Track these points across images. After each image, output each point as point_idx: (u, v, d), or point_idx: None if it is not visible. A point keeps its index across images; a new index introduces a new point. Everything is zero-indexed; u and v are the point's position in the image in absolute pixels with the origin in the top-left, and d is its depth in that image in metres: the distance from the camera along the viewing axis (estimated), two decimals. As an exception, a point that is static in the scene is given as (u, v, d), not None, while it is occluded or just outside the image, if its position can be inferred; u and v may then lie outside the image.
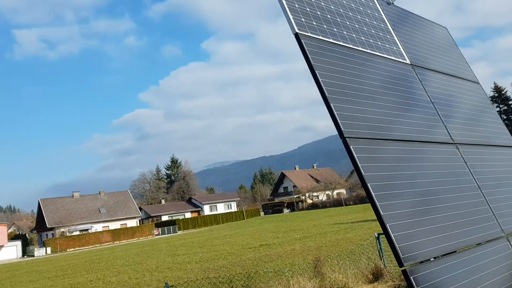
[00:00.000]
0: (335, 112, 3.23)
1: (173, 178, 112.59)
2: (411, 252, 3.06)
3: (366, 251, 10.44)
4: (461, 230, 3.64)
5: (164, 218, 78.83)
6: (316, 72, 3.34)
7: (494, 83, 65.25)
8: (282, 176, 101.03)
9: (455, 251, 3.42)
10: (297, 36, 3.48)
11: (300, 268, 9.62)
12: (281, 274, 9.42)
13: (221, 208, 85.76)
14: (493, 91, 63.31)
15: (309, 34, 3.60)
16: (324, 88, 3.29)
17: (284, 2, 3.61)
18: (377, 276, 9.22)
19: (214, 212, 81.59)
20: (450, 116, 4.84)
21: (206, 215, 75.69)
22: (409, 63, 4.89)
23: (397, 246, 3.01)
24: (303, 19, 3.67)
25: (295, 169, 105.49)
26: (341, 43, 3.93)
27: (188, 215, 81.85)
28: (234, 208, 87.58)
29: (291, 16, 3.55)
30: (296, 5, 3.73)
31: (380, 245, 10.04)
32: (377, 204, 3.07)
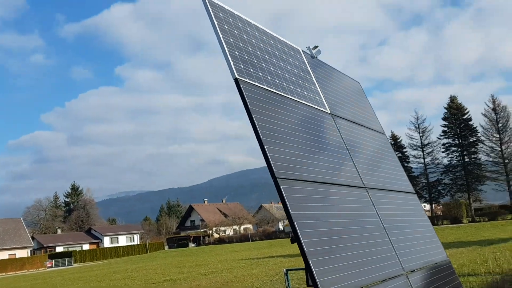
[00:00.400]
0: (268, 154, 3.51)
1: (72, 206, 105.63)
2: (329, 287, 3.36)
3: (274, 287, 10.73)
4: (369, 267, 4.04)
5: (59, 249, 73.15)
6: (253, 115, 3.62)
7: (391, 132, 71.53)
8: (190, 209, 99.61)
9: (369, 286, 3.80)
10: (236, 81, 3.76)
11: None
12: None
13: (122, 241, 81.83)
14: (390, 139, 69.32)
15: (247, 80, 3.90)
16: (259, 131, 3.57)
17: (226, 49, 3.89)
18: (284, 311, 9.50)
19: (115, 245, 77.53)
20: (362, 162, 5.38)
21: (106, 248, 71.66)
22: (329, 112, 5.40)
23: (317, 281, 3.29)
24: (242, 66, 3.97)
25: (204, 202, 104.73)
26: (274, 90, 4.29)
27: (86, 246, 76.83)
28: (137, 241, 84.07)
29: (232, 62, 3.84)
30: (237, 53, 4.03)
31: (288, 281, 10.39)
32: (302, 241, 3.35)
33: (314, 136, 4.48)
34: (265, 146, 3.52)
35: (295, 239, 3.47)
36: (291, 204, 3.45)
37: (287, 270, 10.78)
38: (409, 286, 4.50)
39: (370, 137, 6.31)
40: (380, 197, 5.22)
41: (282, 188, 3.45)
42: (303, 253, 3.38)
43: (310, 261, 3.32)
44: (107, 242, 79.93)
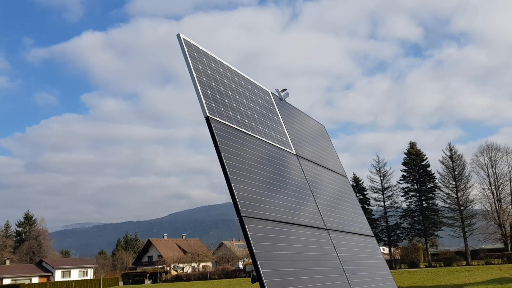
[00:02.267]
0: (234, 192, 3.58)
1: (24, 236, 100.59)
2: (288, 327, 3.39)
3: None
4: (328, 308, 4.10)
5: (7, 281, 68.93)
6: (222, 153, 3.71)
7: (353, 174, 72.95)
8: (148, 244, 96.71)
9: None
10: (207, 119, 3.86)
11: None
12: None
13: (75, 275, 78.14)
14: (352, 181, 70.57)
15: (217, 119, 4.02)
16: (227, 168, 3.66)
17: (199, 88, 4.01)
18: None
19: (66, 279, 73.86)
20: (324, 204, 5.52)
21: (57, 281, 68.11)
22: (295, 153, 5.56)
23: (277, 320, 3.32)
24: (213, 105, 4.10)
25: (163, 237, 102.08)
26: (243, 130, 4.42)
27: (35, 280, 72.81)
28: (90, 275, 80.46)
29: (204, 101, 3.95)
30: (209, 92, 4.16)
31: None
32: (264, 281, 3.39)
33: (279, 175, 4.60)
34: (232, 184, 3.60)
35: (257, 277, 3.51)
36: (255, 243, 3.51)
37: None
38: (366, 328, 4.57)
39: (333, 179, 6.50)
40: (340, 239, 5.34)
41: (246, 227, 3.51)
42: (264, 292, 3.41)
43: (270, 300, 3.35)
44: (58, 276, 76.02)
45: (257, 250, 3.48)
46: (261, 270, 3.41)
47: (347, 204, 6.43)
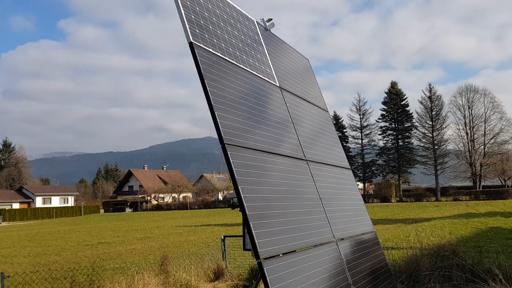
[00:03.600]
0: (218, 120, 3.62)
1: (3, 163, 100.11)
2: (265, 248, 3.59)
3: (211, 252, 10.99)
4: (303, 233, 4.33)
5: (-14, 207, 69.48)
6: (205, 81, 3.70)
7: (334, 112, 73.64)
8: (129, 174, 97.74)
9: (302, 249, 4.09)
10: (191, 45, 3.79)
11: (146, 265, 9.71)
12: (124, 271, 9.37)
13: (56, 202, 79.12)
14: (333, 119, 71.32)
15: (201, 45, 3.95)
16: (210, 96, 3.66)
17: (182, 11, 3.89)
18: (218, 275, 9.82)
19: (47, 205, 74.80)
20: (305, 136, 5.62)
21: (38, 208, 69.01)
22: (278, 85, 5.56)
23: (256, 242, 3.50)
24: (197, 30, 4.01)
25: (144, 168, 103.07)
26: (227, 58, 4.37)
27: (16, 205, 73.55)
28: (71, 203, 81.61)
29: (187, 26, 3.86)
30: (193, 16, 4.05)
31: (224, 247, 10.70)
32: (245, 205, 3.53)
33: (262, 107, 4.64)
34: (215, 112, 3.63)
35: (239, 204, 3.65)
36: (237, 170, 3.61)
37: (224, 237, 11.09)
38: (338, 252, 4.87)
39: (315, 113, 6.58)
40: (318, 170, 5.51)
41: (229, 154, 3.59)
42: (244, 216, 3.57)
43: (251, 223, 3.51)
44: (39, 202, 76.94)
45: (239, 176, 3.58)
46: (242, 195, 3.53)
47: (327, 138, 6.57)
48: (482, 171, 62.17)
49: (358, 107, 70.89)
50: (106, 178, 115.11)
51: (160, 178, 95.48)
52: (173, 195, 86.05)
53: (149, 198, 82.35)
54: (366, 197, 62.05)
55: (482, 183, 63.78)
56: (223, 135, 3.59)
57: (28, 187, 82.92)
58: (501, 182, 64.47)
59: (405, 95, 68.30)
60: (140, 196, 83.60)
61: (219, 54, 4.22)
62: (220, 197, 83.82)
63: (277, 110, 5.09)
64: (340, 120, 71.91)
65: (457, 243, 8.72)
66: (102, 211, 77.15)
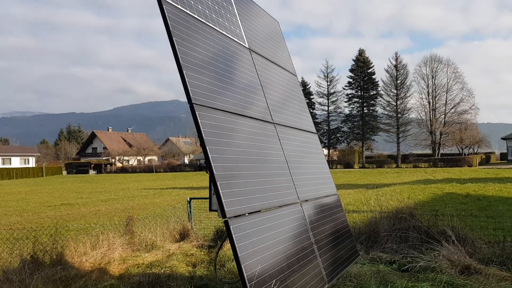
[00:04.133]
0: (186, 79, 3.58)
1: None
2: (232, 208, 3.66)
3: (176, 213, 11.07)
4: (269, 193, 4.42)
5: None
6: (174, 39, 3.62)
7: (302, 78, 73.79)
8: (93, 136, 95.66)
9: (268, 209, 4.19)
10: (159, 2, 3.68)
11: (111, 226, 9.70)
12: (89, 231, 9.33)
13: (16, 162, 76.86)
14: (300, 85, 71.42)
15: (170, 1, 3.84)
16: (179, 55, 3.60)
17: (151, -34, 3.75)
18: (183, 236, 9.94)
19: (7, 166, 72.62)
20: (273, 99, 5.65)
21: (-3, 168, 66.88)
22: (247, 47, 5.51)
23: (223, 202, 3.56)
24: (166, -14, 3.88)
25: (108, 130, 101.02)
26: (196, 16, 4.27)
27: (-28, 166, 71.06)
28: (32, 163, 79.48)
29: (156, -19, 3.73)
30: (162, -29, 3.90)
31: (190, 208, 10.79)
32: (212, 165, 3.56)
33: (232, 68, 4.60)
34: (184, 71, 3.58)
35: (206, 164, 3.67)
36: (205, 130, 3.61)
37: (190, 199, 11.17)
38: (302, 213, 5.02)
39: (284, 77, 6.59)
40: (285, 133, 5.58)
41: (197, 114, 3.57)
42: (212, 177, 3.60)
43: (218, 183, 3.56)
44: (-3, 163, 74.67)
45: (207, 137, 3.59)
46: (210, 156, 3.56)
47: (295, 103, 6.62)
48: (441, 139, 64.50)
49: (325, 74, 71.34)
50: (68, 140, 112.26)
51: (125, 141, 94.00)
52: (138, 158, 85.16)
53: (113, 160, 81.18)
54: (330, 163, 63.44)
55: (441, 151, 66.31)
56: (191, 95, 3.56)
57: (-14, 147, 79.99)
58: (459, 151, 67.23)
59: (372, 63, 69.09)
60: (104, 158, 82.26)
61: (188, 12, 4.13)
62: (186, 161, 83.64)
63: (246, 72, 5.07)
64: (307, 87, 72.28)
65: (414, 207, 9.13)
66: (64, 172, 75.66)
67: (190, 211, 10.89)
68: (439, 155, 64.47)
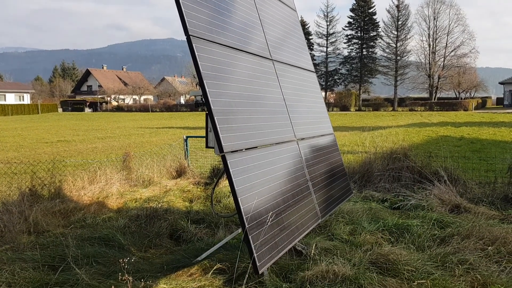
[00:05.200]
0: (183, 9, 3.45)
1: None
2: (229, 143, 3.67)
3: (173, 151, 11.16)
4: (267, 131, 4.42)
5: None
6: (170, -34, 3.45)
7: (301, 17, 71.81)
8: (87, 74, 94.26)
9: (265, 146, 4.22)
10: None
11: (108, 162, 9.79)
12: (86, 166, 9.42)
13: (11, 99, 76.23)
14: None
15: None
16: (176, -16, 3.44)
17: None
18: (180, 173, 10.10)
19: (1, 102, 72.09)
20: (272, 35, 5.50)
21: (-9, 105, 66.42)
22: (246, -21, 5.28)
23: (220, 137, 3.56)
24: None
25: (103, 68, 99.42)
26: None
27: (-34, 102, 70.48)
28: (27, 100, 78.87)
29: None
30: None
31: (187, 146, 10.87)
32: (210, 100, 3.52)
33: (231, 1, 4.43)
34: (180, 1, 3.44)
35: (204, 99, 3.62)
36: (202, 64, 3.53)
37: (187, 137, 11.23)
38: (298, 151, 5.06)
39: (284, 12, 6.38)
40: (284, 71, 5.50)
41: (194, 47, 3.48)
42: (210, 112, 3.58)
43: (216, 118, 3.54)
44: (-9, 100, 74.04)
45: (204, 71, 3.52)
46: (207, 90, 3.51)
47: (294, 39, 6.46)
48: (439, 83, 64.14)
49: (325, 14, 69.43)
50: (63, 77, 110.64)
51: (120, 79, 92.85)
52: (134, 97, 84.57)
53: (109, 99, 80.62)
54: (327, 106, 63.35)
55: (438, 95, 66.16)
56: (188, 26, 3.45)
57: (-21, 83, 78.91)
58: (455, 95, 67.10)
59: (373, 2, 67.07)
60: (99, 96, 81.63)
61: None
62: (182, 101, 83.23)
63: (246, 7, 4.90)
64: (306, 27, 70.52)
65: (408, 148, 9.23)
66: (60, 110, 75.34)
67: (187, 149, 10.98)
68: (436, 99, 64.41)
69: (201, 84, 3.55)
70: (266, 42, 5.17)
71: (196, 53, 3.48)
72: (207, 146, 5.15)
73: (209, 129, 4.76)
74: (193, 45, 3.46)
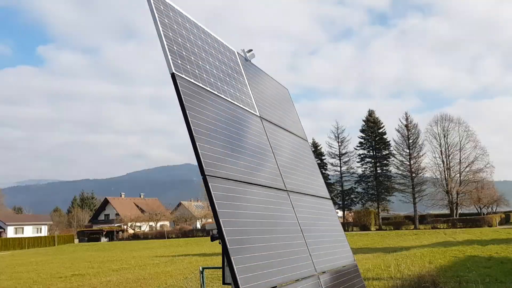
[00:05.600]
0: (199, 151, 3.56)
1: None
2: (248, 284, 3.48)
3: (189, 285, 10.72)
4: (285, 266, 4.24)
5: (-46, 237, 66.77)
6: (187, 112, 3.65)
7: (313, 139, 74.25)
8: (106, 202, 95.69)
9: (285, 284, 3.99)
10: (173, 76, 3.76)
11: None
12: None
13: (29, 231, 76.69)
14: (311, 146, 71.81)
15: (183, 76, 3.92)
16: (192, 127, 3.61)
17: (165, 43, 3.88)
18: (197, 309, 9.54)
19: (19, 235, 72.39)
20: (285, 166, 5.60)
21: (9, 238, 66.68)
22: (258, 115, 5.56)
23: (238, 278, 3.40)
24: (179, 61, 3.99)
25: (121, 196, 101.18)
26: (208, 89, 4.35)
27: (-14, 236, 70.93)
28: (44, 232, 79.21)
29: (169, 57, 3.84)
30: (175, 47, 4.03)
31: (203, 279, 10.44)
32: (226, 238, 3.44)
33: (243, 137, 4.61)
34: (196, 143, 3.57)
35: (219, 235, 3.55)
36: (218, 202, 3.53)
37: (203, 268, 10.84)
38: (320, 286, 4.77)
39: (294, 142, 6.58)
40: (299, 200, 5.47)
41: (210, 186, 3.52)
42: (225, 250, 3.47)
43: (232, 258, 3.42)
44: (11, 232, 74.35)
45: (220, 209, 3.51)
46: (223, 228, 3.45)
47: (307, 167, 6.56)
48: (458, 199, 63.16)
49: (336, 135, 71.75)
50: (81, 207, 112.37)
51: (138, 206, 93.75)
52: (150, 223, 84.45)
53: (125, 227, 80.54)
54: (346, 225, 62.10)
55: (459, 211, 64.70)
56: (204, 166, 3.53)
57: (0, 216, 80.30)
58: (477, 210, 65.53)
59: (382, 123, 69.52)
60: (116, 225, 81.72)
61: (200, 85, 4.21)
62: (199, 226, 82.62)
63: (258, 140, 5.07)
64: (318, 148, 72.47)
65: (436, 273, 8.72)
66: (76, 240, 75.02)
67: (203, 281, 10.53)
68: (458, 215, 62.84)
69: (216, 221, 3.51)
70: (279, 173, 5.23)
71: (212, 192, 3.50)
72: (224, 283, 4.91)
73: (225, 263, 4.58)
74: (209, 184, 3.50)
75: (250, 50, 6.45)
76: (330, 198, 6.87)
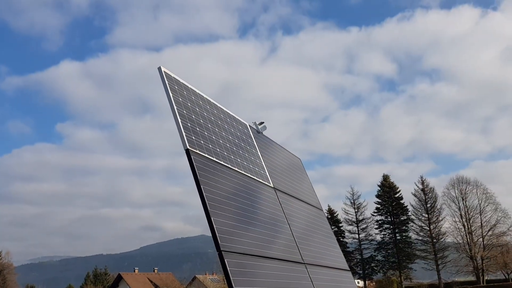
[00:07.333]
0: (214, 226, 3.55)
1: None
2: None
3: None
4: None
5: (-36, 319, 65.08)
6: (202, 187, 3.70)
7: (328, 206, 73.16)
8: (119, 279, 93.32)
9: None
10: (187, 152, 3.86)
11: None
12: None
13: (40, 311, 74.54)
14: (327, 213, 70.60)
15: (197, 151, 4.02)
16: (207, 202, 3.64)
17: (179, 120, 4.02)
18: None
19: (30, 316, 70.37)
20: (301, 237, 5.51)
21: (20, 318, 64.74)
22: (272, 186, 5.58)
23: None
24: (193, 137, 4.11)
25: (134, 271, 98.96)
26: (222, 162, 4.42)
27: (-4, 317, 69.05)
28: (56, 311, 76.88)
29: (184, 133, 3.96)
30: (189, 124, 4.17)
31: None
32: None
33: (257, 209, 4.60)
34: (211, 218, 3.58)
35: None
36: (234, 279, 3.46)
37: None
38: None
39: (309, 212, 6.52)
40: (318, 273, 5.31)
41: (226, 262, 3.47)
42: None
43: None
44: (21, 313, 72.40)
45: (236, 286, 3.43)
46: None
47: (324, 238, 6.44)
48: (483, 264, 60.41)
49: (352, 201, 70.66)
50: (94, 283, 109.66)
51: (151, 282, 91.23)
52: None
53: (139, 304, 77.87)
54: (368, 296, 59.32)
55: (486, 277, 61.61)
56: (219, 242, 3.50)
57: (12, 295, 78.53)
58: (504, 276, 62.38)
59: (398, 187, 68.56)
60: (129, 302, 79.12)
61: (214, 159, 4.29)
62: (215, 301, 79.51)
63: (272, 212, 5.04)
64: (335, 214, 71.10)
65: None
66: (88, 320, 72.41)
67: None
68: (485, 282, 59.76)
69: (233, 299, 3.42)
70: (296, 245, 5.14)
71: (228, 268, 3.45)
72: None
73: None
74: (225, 260, 3.46)
75: (262, 123, 6.61)
76: (348, 269, 6.67)
